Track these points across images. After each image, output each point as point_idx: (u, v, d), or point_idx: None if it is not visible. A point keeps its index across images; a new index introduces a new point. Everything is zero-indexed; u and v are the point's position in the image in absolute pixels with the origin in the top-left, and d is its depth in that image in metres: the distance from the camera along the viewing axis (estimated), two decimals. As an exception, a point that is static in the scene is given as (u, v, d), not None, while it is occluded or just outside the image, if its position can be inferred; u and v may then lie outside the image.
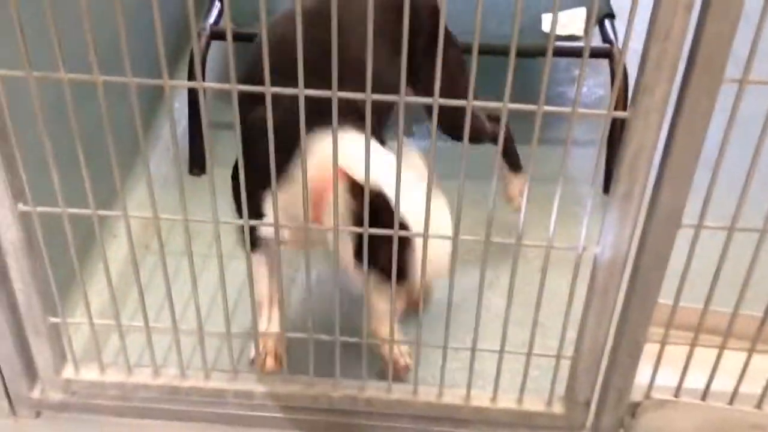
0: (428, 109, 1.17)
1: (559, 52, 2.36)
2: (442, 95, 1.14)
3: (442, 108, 1.15)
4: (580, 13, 2.45)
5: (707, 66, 1.08)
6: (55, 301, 1.45)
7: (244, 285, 1.92)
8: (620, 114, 1.15)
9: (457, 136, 1.37)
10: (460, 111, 1.15)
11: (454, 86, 1.53)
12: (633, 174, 1.20)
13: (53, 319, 1.47)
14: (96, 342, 1.52)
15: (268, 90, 1.14)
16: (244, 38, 2.32)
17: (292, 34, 1.09)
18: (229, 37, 1.11)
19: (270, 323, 1.67)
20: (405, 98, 1.14)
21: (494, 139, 2.03)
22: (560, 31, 2.39)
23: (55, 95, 1.18)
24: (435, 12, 1.77)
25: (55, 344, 1.51)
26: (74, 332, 1.67)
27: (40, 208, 1.31)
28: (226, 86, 1.15)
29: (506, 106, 1.15)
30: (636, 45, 1.10)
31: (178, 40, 2.63)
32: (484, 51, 1.98)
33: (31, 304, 1.43)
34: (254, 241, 1.41)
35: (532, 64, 2.45)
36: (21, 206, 1.31)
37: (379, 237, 1.28)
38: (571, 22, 2.40)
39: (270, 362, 1.64)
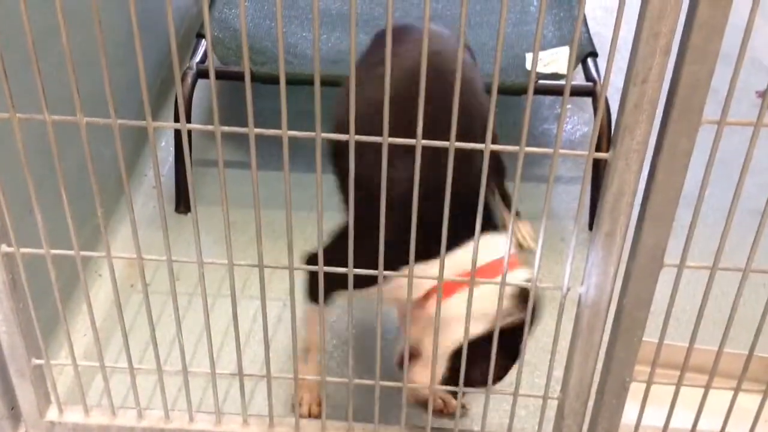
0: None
1: (543, 91, 2.39)
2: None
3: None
4: (564, 51, 2.48)
5: (686, 108, 1.10)
6: (39, 343, 1.44)
7: (230, 324, 1.92)
8: (601, 155, 1.16)
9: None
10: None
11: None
12: (615, 214, 1.20)
13: (37, 361, 1.46)
14: (80, 384, 1.51)
15: (352, 138, 1.14)
16: (230, 77, 2.35)
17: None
18: (212, 77, 1.12)
19: (311, 369, 1.71)
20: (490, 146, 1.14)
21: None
22: (544, 69, 2.41)
23: (39, 136, 1.19)
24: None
25: (39, 386, 1.50)
26: (58, 374, 1.66)
27: (23, 250, 1.31)
28: (209, 127, 1.15)
29: (488, 147, 1.16)
30: (619, 83, 1.12)
31: (166, 78, 2.65)
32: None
33: (14, 345, 1.42)
34: (327, 298, 1.40)
35: (517, 102, 2.48)
36: (4, 247, 1.30)
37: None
38: (555, 60, 2.43)
39: (314, 409, 1.72)
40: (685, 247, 1.24)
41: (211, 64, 1.15)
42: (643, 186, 1.21)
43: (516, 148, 1.17)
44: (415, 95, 1.07)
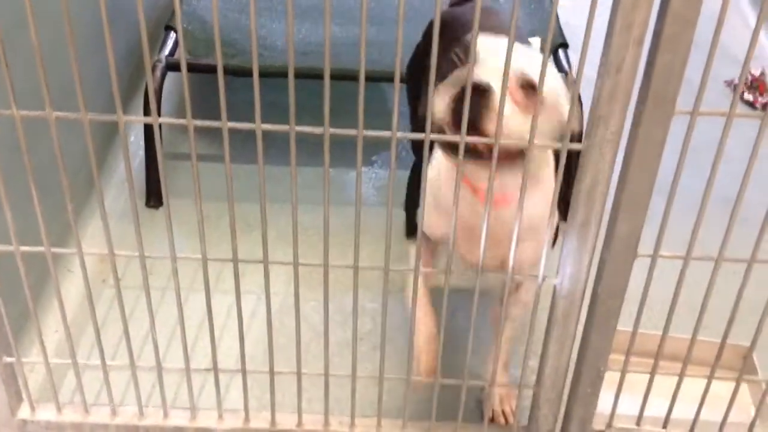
0: None
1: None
2: None
3: None
4: (534, 42, 2.49)
5: (659, 98, 1.10)
6: (10, 341, 1.42)
7: (204, 319, 1.90)
8: (575, 146, 1.16)
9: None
10: None
11: None
12: (589, 204, 1.21)
13: (8, 359, 1.44)
14: (52, 381, 1.49)
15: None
16: (200, 69, 2.33)
17: None
18: (184, 71, 1.11)
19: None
20: (363, 132, 1.14)
21: None
22: (517, 60, 2.42)
23: (5, 131, 1.17)
24: None
25: (9, 384, 1.48)
26: (29, 371, 1.64)
27: (-7, 247, 1.29)
28: (182, 121, 1.14)
29: (463, 138, 1.16)
30: (592, 74, 1.12)
31: (134, 71, 2.61)
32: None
33: (-16, 344, 1.40)
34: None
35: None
36: (-27, 245, 1.28)
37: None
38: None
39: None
40: (658, 238, 1.25)
41: (183, 57, 1.13)
42: (616, 177, 1.21)
43: (491, 140, 1.16)
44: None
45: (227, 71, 2.23)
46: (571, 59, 2.45)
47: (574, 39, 2.81)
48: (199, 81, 2.42)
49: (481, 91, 1.21)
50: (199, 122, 1.14)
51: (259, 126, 1.14)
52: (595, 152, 1.15)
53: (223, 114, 1.13)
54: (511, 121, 1.24)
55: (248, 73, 2.37)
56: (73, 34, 1.05)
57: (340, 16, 2.62)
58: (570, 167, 1.18)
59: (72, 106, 1.13)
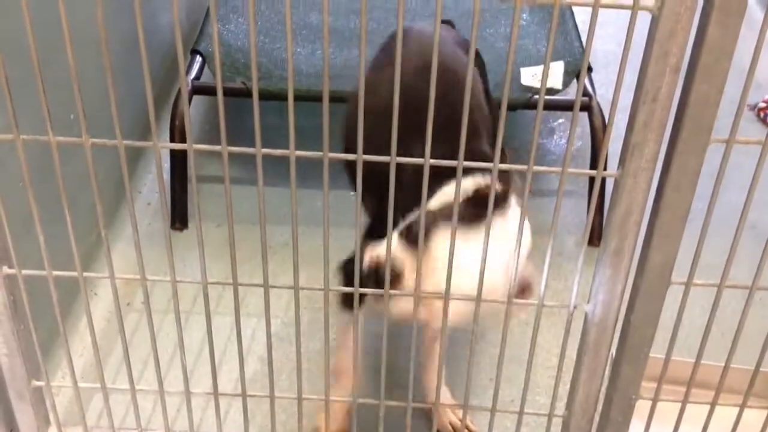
0: None
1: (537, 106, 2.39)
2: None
3: None
4: (557, 66, 2.49)
5: (695, 127, 1.10)
6: (40, 365, 1.42)
7: (229, 342, 1.91)
8: (610, 174, 1.16)
9: None
10: None
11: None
12: (623, 232, 1.20)
13: (37, 383, 1.44)
14: (80, 405, 1.49)
15: (360, 158, 1.13)
16: (225, 93, 2.34)
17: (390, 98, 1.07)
18: (220, 96, 1.12)
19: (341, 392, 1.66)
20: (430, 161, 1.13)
21: None
22: (538, 84, 2.42)
23: (32, 156, 1.17)
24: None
25: (38, 408, 1.48)
26: (55, 395, 1.64)
27: (25, 271, 1.29)
28: (217, 148, 1.15)
29: (497, 166, 1.16)
30: (610, 95, 1.11)
31: (158, 95, 2.63)
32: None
33: (14, 368, 1.40)
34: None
35: (512, 117, 2.48)
36: (6, 269, 1.29)
37: None
38: (549, 75, 2.44)
39: None
40: (692, 266, 1.24)
41: (219, 82, 1.14)
42: (650, 204, 1.21)
43: (524, 167, 1.16)
44: (414, 100, 1.07)
45: (252, 94, 2.27)
46: (594, 82, 2.45)
47: (596, 63, 2.82)
48: (225, 103, 2.44)
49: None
50: (234, 149, 1.15)
51: (293, 152, 1.14)
52: (630, 180, 1.15)
53: (258, 140, 1.13)
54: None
55: (273, 96, 2.40)
56: (99, 60, 1.06)
57: (359, 38, 2.63)
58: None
59: (93, 132, 1.13)
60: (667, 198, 1.16)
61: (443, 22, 1.93)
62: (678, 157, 1.12)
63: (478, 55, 1.94)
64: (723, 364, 1.37)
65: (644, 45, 1.07)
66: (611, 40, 3.00)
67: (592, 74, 2.49)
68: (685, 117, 1.09)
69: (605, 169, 1.15)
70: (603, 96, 2.38)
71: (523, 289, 1.38)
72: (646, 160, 1.13)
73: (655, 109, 1.08)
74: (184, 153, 1.54)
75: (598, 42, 3.00)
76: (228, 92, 2.29)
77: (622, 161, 1.14)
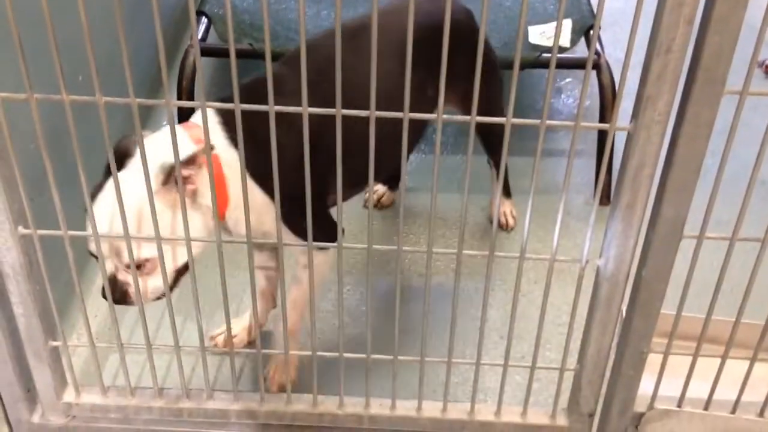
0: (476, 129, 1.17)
1: (546, 64, 2.37)
2: (483, 114, 1.15)
3: (481, 125, 1.16)
4: (566, 24, 2.47)
5: (709, 78, 1.10)
6: (56, 324, 1.43)
7: (242, 301, 1.92)
8: (623, 127, 1.15)
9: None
10: (493, 129, 1.17)
11: (494, 107, 1.77)
12: (635, 186, 1.20)
13: (54, 343, 1.46)
14: (97, 364, 1.51)
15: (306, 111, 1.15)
16: (235, 55, 2.33)
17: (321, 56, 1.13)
18: (233, 60, 1.12)
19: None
20: (443, 116, 1.14)
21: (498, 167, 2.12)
22: (548, 42, 2.40)
23: (44, 116, 1.18)
24: (473, 33, 1.80)
25: (55, 368, 1.49)
26: (71, 356, 1.65)
27: (40, 231, 1.30)
28: (230, 105, 1.15)
29: (509, 121, 1.16)
30: (620, 54, 1.11)
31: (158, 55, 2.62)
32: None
33: (31, 328, 1.41)
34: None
35: (521, 76, 2.46)
36: (21, 229, 1.30)
37: None
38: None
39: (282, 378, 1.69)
40: (704, 219, 1.25)
41: (232, 44, 1.14)
42: (663, 158, 1.21)
43: (537, 121, 1.16)
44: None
45: (260, 55, 2.26)
46: (603, 40, 2.44)
47: (604, 20, 2.79)
48: (227, 65, 2.43)
49: None
50: (245, 106, 1.15)
51: (306, 110, 1.14)
52: (643, 133, 1.15)
53: (270, 98, 1.13)
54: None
55: (280, 57, 2.36)
56: (106, 18, 1.06)
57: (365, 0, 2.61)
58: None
59: (104, 90, 1.13)
60: (680, 150, 1.16)
61: None
62: (691, 109, 1.12)
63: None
64: (733, 319, 1.38)
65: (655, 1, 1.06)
66: (619, -2, 2.98)
67: (600, 32, 2.46)
68: (698, 68, 1.09)
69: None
70: (611, 54, 2.36)
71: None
72: (659, 112, 1.12)
73: (669, 60, 1.08)
74: (191, 112, 1.55)
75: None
76: (236, 53, 2.29)
77: (635, 114, 1.14)
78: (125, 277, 1.38)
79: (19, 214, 1.29)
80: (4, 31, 1.11)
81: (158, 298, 1.41)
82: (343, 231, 1.33)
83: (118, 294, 1.40)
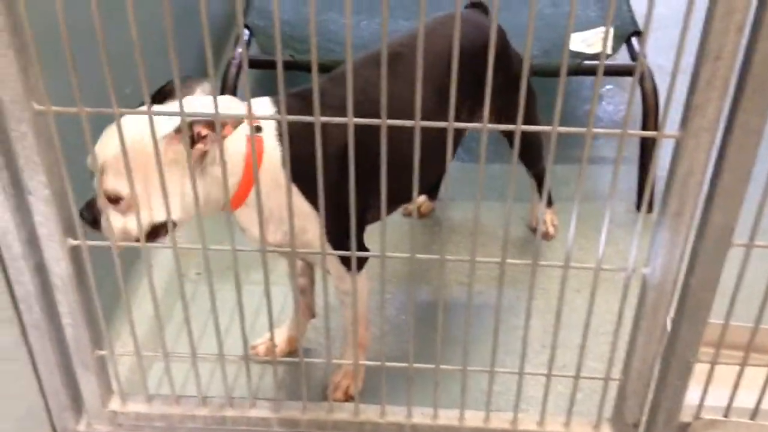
0: (508, 137, 1.18)
1: (588, 71, 2.36)
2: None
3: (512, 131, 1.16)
4: (599, 32, 2.46)
5: (758, 85, 1.08)
6: (102, 334, 1.45)
7: (282, 311, 1.93)
8: (671, 134, 1.15)
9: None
10: (531, 140, 1.16)
11: (531, 119, 1.67)
12: (684, 194, 1.19)
13: (100, 352, 1.47)
14: (143, 373, 1.52)
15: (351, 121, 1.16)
16: (273, 65, 2.35)
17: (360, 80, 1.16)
18: (280, 69, 1.13)
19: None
20: (488, 126, 1.14)
21: (538, 176, 2.11)
22: (589, 49, 2.39)
23: (96, 128, 1.19)
24: (505, 51, 1.80)
25: (101, 377, 1.51)
26: (117, 363, 1.67)
27: (89, 242, 1.32)
28: (276, 117, 1.16)
29: (555, 130, 1.15)
30: (662, 61, 1.10)
31: (205, 69, 2.64)
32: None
33: (79, 337, 1.43)
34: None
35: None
36: (70, 241, 1.31)
37: None
38: (599, 40, 2.41)
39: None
40: (754, 226, 1.23)
41: (280, 57, 1.15)
42: (711, 165, 1.19)
43: (584, 129, 1.16)
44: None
45: (300, 66, 2.27)
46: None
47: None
48: (272, 76, 2.45)
49: None
50: (291, 117, 1.16)
51: (351, 120, 1.15)
52: (692, 141, 1.14)
53: (317, 109, 1.14)
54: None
55: (319, 68, 2.37)
56: (144, 32, 1.07)
57: (406, 9, 2.62)
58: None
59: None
60: (729, 158, 1.15)
61: (474, 5, 1.90)
62: (741, 117, 1.11)
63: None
64: (782, 328, 1.36)
65: (702, 5, 1.05)
66: (658, 4, 2.95)
67: (640, 38, 2.45)
68: (748, 76, 1.08)
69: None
70: (652, 61, 2.35)
71: None
72: (708, 120, 1.11)
73: (718, 68, 1.07)
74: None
75: (645, 6, 2.96)
76: (275, 64, 2.31)
77: (684, 121, 1.13)
78: (105, 205, 1.33)
79: (68, 225, 1.31)
80: (54, 47, 1.13)
81: (137, 243, 1.34)
82: (367, 250, 1.34)
83: (89, 216, 1.35)
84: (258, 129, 1.32)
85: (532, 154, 2.02)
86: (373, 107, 1.13)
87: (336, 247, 1.42)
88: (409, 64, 1.25)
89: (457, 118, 1.16)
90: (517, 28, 2.49)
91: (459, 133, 1.79)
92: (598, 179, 2.40)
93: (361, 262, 1.53)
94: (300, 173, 1.29)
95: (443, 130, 1.14)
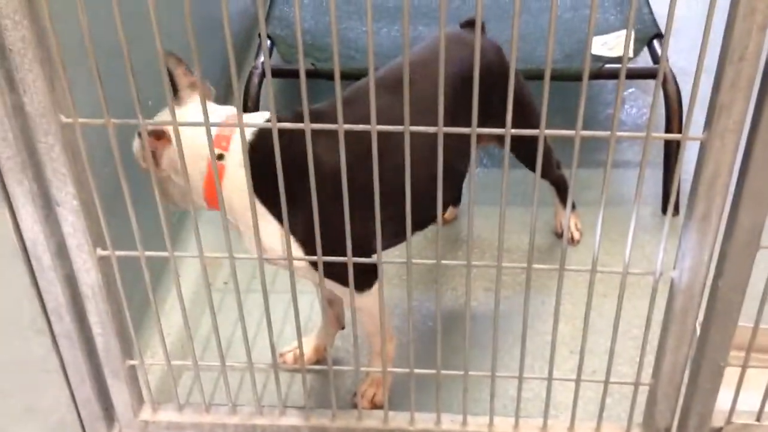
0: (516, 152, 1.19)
1: (609, 75, 2.35)
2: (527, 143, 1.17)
3: (519, 142, 1.16)
4: (619, 36, 2.45)
5: (784, 85, 1.08)
6: (133, 343, 1.47)
7: (310, 318, 1.94)
8: (696, 137, 1.14)
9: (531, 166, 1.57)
10: (535, 144, 1.16)
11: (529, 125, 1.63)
12: (710, 196, 1.19)
13: (131, 362, 1.49)
14: (173, 382, 1.54)
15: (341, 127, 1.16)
16: (295, 74, 2.36)
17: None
18: (303, 77, 1.13)
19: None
20: (477, 129, 1.15)
21: (555, 183, 2.10)
22: (609, 53, 2.38)
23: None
24: (505, 70, 1.80)
25: (132, 386, 1.53)
26: (147, 372, 1.69)
27: (118, 252, 1.33)
28: (300, 125, 1.16)
29: (579, 133, 1.15)
30: (684, 63, 1.10)
31: (229, 79, 2.67)
32: (535, 76, 2.00)
33: (109, 347, 1.45)
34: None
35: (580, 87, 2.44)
36: (100, 251, 1.33)
37: None
38: (620, 44, 2.40)
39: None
40: (782, 228, 1.22)
41: (302, 65, 1.16)
42: (737, 167, 1.19)
43: (607, 133, 1.15)
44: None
45: (321, 75, 2.28)
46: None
47: (663, 29, 2.75)
48: (295, 86, 2.46)
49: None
50: (316, 125, 1.16)
51: (374, 127, 1.15)
52: (717, 142, 1.13)
53: (340, 116, 1.15)
54: None
55: (343, 77, 2.38)
56: (167, 45, 1.08)
57: (425, 16, 2.63)
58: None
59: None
60: (756, 159, 1.14)
61: (470, 24, 1.88)
62: (766, 117, 1.10)
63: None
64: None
65: (724, 6, 1.05)
66: (681, 5, 2.93)
67: (663, 41, 2.44)
68: (773, 76, 1.07)
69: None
70: (674, 63, 2.33)
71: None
72: (733, 121, 1.11)
73: (742, 68, 1.07)
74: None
75: (666, 8, 2.94)
76: (297, 73, 2.32)
77: (708, 123, 1.13)
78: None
79: (97, 236, 1.32)
80: (80, 60, 1.15)
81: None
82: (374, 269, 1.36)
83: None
84: (220, 157, 1.38)
85: (542, 164, 1.98)
86: (378, 136, 1.15)
87: (333, 271, 1.40)
88: (417, 90, 1.25)
89: (466, 143, 1.17)
90: (537, 33, 2.50)
91: (463, 173, 1.84)
92: (623, 183, 2.39)
93: (369, 280, 1.50)
94: (266, 192, 1.32)
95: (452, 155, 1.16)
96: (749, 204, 1.18)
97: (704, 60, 1.07)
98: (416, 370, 1.45)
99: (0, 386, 1.53)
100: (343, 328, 1.86)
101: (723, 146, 1.13)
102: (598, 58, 2.31)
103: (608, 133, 1.15)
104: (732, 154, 1.14)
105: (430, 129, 1.15)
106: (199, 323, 1.95)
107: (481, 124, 1.13)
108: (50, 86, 1.16)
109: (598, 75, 2.28)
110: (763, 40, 1.05)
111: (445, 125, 1.14)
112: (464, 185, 2.18)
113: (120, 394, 1.52)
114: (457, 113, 1.33)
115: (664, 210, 2.31)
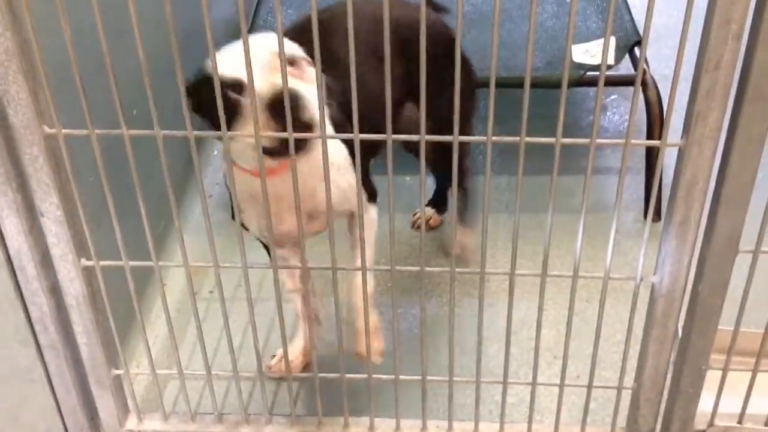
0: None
1: (591, 82, 2.37)
2: (441, 124, 1.18)
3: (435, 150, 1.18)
4: (611, 41, 2.47)
5: (758, 94, 1.10)
6: (118, 353, 1.47)
7: (295, 326, 1.95)
8: (674, 143, 1.16)
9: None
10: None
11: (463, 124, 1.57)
12: (689, 202, 1.20)
13: (116, 371, 1.49)
14: (159, 391, 1.54)
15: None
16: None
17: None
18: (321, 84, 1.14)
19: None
20: (392, 136, 1.15)
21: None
22: (591, 60, 2.40)
23: (108, 150, 1.22)
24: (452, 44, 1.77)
25: (117, 395, 1.53)
26: (132, 382, 1.69)
27: (102, 262, 1.34)
28: (284, 135, 1.17)
29: (559, 141, 1.16)
30: (666, 71, 1.12)
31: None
32: (515, 84, 2.01)
33: (94, 357, 1.45)
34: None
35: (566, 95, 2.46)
36: (84, 261, 1.33)
37: None
38: (601, 51, 2.42)
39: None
40: (760, 233, 1.24)
41: (319, 71, 1.17)
42: (715, 173, 1.20)
43: (587, 140, 1.17)
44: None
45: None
46: (647, 57, 2.43)
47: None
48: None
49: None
50: (330, 136, 1.17)
51: (390, 137, 1.15)
52: (694, 149, 1.15)
53: (356, 124, 1.15)
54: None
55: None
56: (155, 54, 1.09)
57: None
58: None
59: (149, 124, 1.17)
60: (732, 165, 1.16)
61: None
62: (742, 125, 1.12)
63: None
64: (793, 333, 1.36)
65: (703, 15, 1.07)
66: (661, 14, 2.96)
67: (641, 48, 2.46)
68: (748, 85, 1.09)
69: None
70: (655, 70, 2.36)
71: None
72: (710, 128, 1.13)
73: (718, 77, 1.08)
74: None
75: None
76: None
77: (686, 130, 1.15)
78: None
79: (81, 246, 1.33)
80: (63, 71, 1.15)
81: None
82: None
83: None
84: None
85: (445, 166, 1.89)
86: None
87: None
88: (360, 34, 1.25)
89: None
90: (518, 41, 2.52)
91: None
92: (603, 189, 2.41)
93: (373, 196, 1.61)
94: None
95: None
96: (727, 209, 1.20)
97: (681, 68, 1.09)
98: (402, 377, 1.46)
99: (-15, 397, 1.53)
100: (319, 323, 1.84)
101: (701, 153, 1.15)
102: (579, 66, 2.33)
103: (588, 140, 1.17)
104: (709, 160, 1.16)
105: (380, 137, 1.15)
106: (184, 332, 1.95)
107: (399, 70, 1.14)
108: (34, 97, 1.17)
109: (579, 82, 2.30)
110: (738, 49, 1.07)
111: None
112: (448, 195, 2.18)
113: (105, 404, 1.53)
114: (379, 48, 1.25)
115: (647, 216, 2.33)
